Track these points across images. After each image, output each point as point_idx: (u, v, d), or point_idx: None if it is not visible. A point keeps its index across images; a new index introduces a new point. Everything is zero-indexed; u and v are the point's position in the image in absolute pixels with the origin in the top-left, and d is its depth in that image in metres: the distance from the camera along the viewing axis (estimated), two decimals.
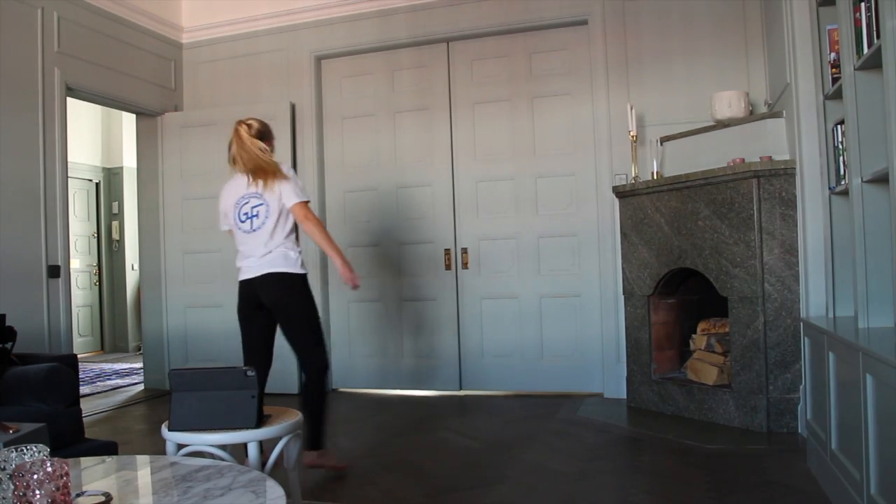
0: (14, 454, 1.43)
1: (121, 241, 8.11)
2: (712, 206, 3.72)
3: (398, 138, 5.12)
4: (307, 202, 3.15)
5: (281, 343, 5.08)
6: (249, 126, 3.23)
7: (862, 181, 2.49)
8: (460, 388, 4.94)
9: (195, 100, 5.51)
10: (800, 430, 3.44)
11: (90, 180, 8.04)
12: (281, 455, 2.35)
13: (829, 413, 2.57)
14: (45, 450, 1.46)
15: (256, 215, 3.12)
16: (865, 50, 2.36)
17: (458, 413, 4.42)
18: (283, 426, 2.31)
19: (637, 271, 4.18)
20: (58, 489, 1.30)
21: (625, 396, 4.36)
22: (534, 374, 4.79)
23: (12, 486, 1.30)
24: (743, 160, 3.65)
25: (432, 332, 5.01)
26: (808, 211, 3.36)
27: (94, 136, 8.01)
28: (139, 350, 7.27)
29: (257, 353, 3.21)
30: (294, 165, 5.18)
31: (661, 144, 4.30)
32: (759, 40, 4.26)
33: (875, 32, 2.27)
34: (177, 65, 5.49)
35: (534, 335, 4.79)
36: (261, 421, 2.26)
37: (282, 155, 5.15)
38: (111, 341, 8.15)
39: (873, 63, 2.34)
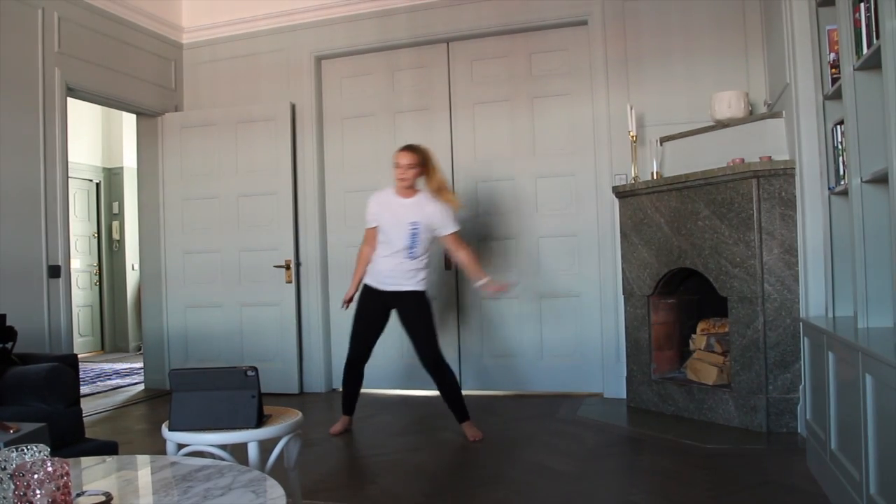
0: (15, 454, 1.43)
1: (121, 241, 8.11)
2: (712, 207, 3.72)
3: (398, 138, 5.09)
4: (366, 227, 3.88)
5: (277, 343, 5.10)
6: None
7: (861, 181, 2.49)
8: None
9: (195, 100, 5.51)
10: (799, 430, 3.44)
11: (90, 180, 8.04)
12: (281, 455, 2.35)
13: (828, 413, 2.57)
14: (46, 449, 1.46)
15: None
16: (865, 50, 2.36)
17: None
18: (283, 426, 2.30)
19: (637, 271, 4.18)
20: (58, 489, 1.30)
21: (625, 396, 4.36)
22: (533, 374, 4.79)
23: (13, 486, 1.30)
24: (742, 160, 3.65)
25: None
26: (808, 211, 3.37)
27: (94, 137, 8.01)
28: (139, 350, 7.27)
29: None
30: (294, 166, 5.18)
31: (661, 145, 4.30)
32: (759, 40, 4.26)
33: (874, 33, 2.27)
34: (177, 65, 5.49)
35: (534, 335, 4.79)
36: (261, 421, 2.26)
37: (282, 155, 5.17)
38: (111, 341, 8.15)
39: (873, 63, 2.34)
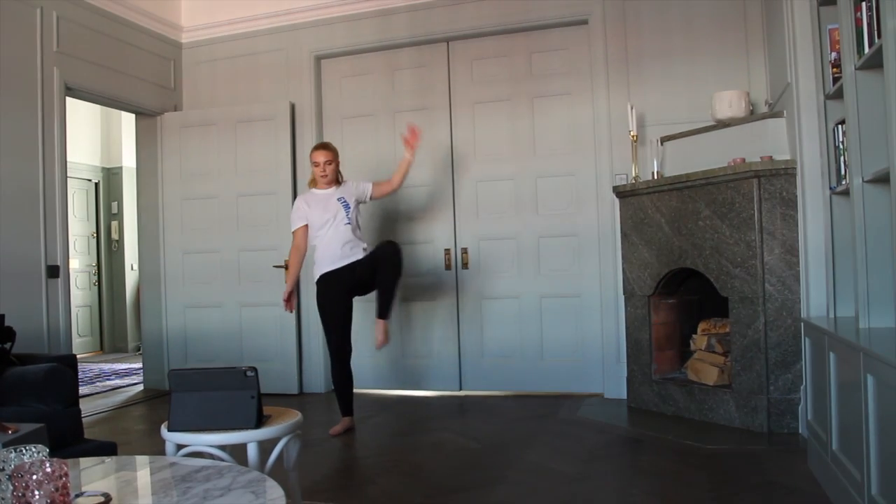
0: (13, 454, 1.42)
1: (120, 241, 8.10)
2: (713, 206, 3.71)
3: (398, 138, 5.09)
4: (293, 231, 4.03)
5: (276, 343, 5.09)
6: None
7: (863, 181, 2.48)
8: (460, 389, 4.94)
9: (195, 99, 5.50)
10: (800, 431, 3.43)
11: (89, 180, 8.03)
12: (281, 455, 2.34)
13: (829, 413, 2.56)
14: (45, 450, 1.45)
15: None
16: (866, 49, 2.35)
17: (458, 413, 4.41)
18: (282, 426, 2.29)
19: (637, 271, 4.17)
20: (57, 490, 1.29)
21: (625, 397, 4.35)
22: (534, 374, 4.78)
23: (11, 487, 1.29)
24: (743, 160, 3.64)
25: (432, 332, 5.00)
26: (809, 211, 3.36)
27: (93, 136, 8.00)
28: (138, 350, 7.26)
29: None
30: (294, 165, 5.17)
31: (662, 144, 4.29)
32: (760, 40, 4.26)
33: (876, 32, 2.26)
34: (176, 64, 5.48)
35: (534, 335, 4.78)
36: (260, 421, 2.25)
37: (281, 155, 5.16)
38: (110, 341, 8.14)
39: (874, 62, 2.33)
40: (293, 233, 4.04)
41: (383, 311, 3.90)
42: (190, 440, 2.20)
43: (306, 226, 4.00)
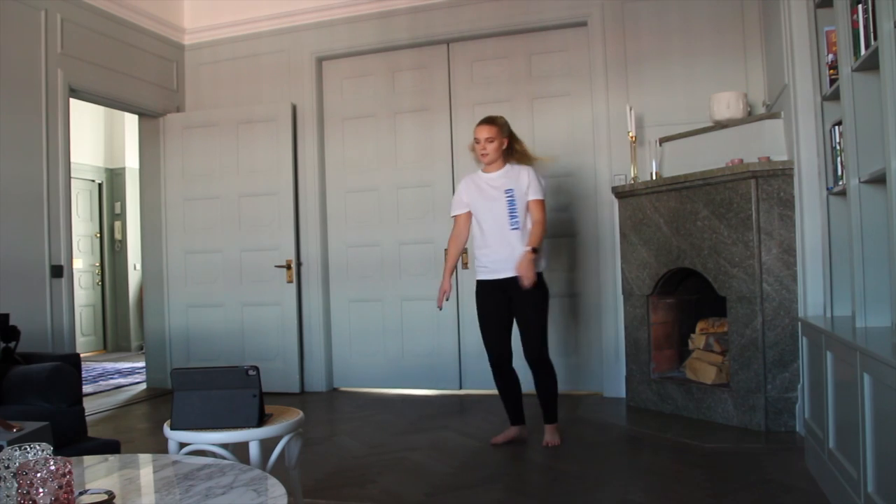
0: (18, 453, 1.44)
1: (123, 241, 8.13)
2: (711, 207, 3.73)
3: (399, 139, 5.13)
4: (453, 216, 3.61)
5: (278, 342, 5.12)
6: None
7: (859, 181, 2.49)
8: (460, 388, 4.96)
9: (197, 101, 5.53)
10: (798, 429, 3.45)
11: (93, 181, 8.06)
12: (282, 454, 2.36)
13: (826, 412, 2.58)
14: (49, 448, 1.46)
15: None
16: (863, 51, 2.37)
17: (459, 412, 4.43)
18: (284, 425, 2.31)
19: (636, 271, 4.19)
20: (61, 487, 1.31)
21: (624, 395, 4.37)
22: None
23: (16, 484, 1.31)
24: (741, 161, 3.66)
25: (432, 331, 5.02)
26: (806, 211, 3.37)
27: (96, 137, 8.03)
28: (141, 349, 7.29)
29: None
30: (295, 165, 5.19)
31: (660, 145, 4.31)
32: (758, 42, 4.27)
33: (872, 34, 2.27)
34: (179, 66, 5.51)
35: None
36: (262, 420, 2.27)
37: (282, 156, 5.18)
38: (114, 341, 8.17)
39: (870, 64, 2.34)
40: (453, 217, 3.62)
41: (546, 416, 3.54)
42: (192, 438, 2.21)
43: (469, 213, 3.54)
